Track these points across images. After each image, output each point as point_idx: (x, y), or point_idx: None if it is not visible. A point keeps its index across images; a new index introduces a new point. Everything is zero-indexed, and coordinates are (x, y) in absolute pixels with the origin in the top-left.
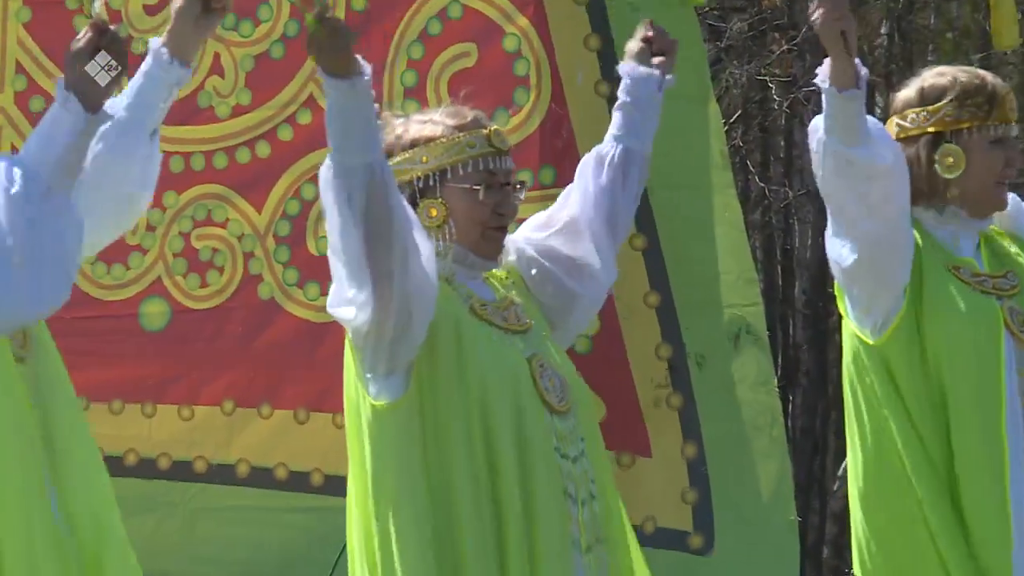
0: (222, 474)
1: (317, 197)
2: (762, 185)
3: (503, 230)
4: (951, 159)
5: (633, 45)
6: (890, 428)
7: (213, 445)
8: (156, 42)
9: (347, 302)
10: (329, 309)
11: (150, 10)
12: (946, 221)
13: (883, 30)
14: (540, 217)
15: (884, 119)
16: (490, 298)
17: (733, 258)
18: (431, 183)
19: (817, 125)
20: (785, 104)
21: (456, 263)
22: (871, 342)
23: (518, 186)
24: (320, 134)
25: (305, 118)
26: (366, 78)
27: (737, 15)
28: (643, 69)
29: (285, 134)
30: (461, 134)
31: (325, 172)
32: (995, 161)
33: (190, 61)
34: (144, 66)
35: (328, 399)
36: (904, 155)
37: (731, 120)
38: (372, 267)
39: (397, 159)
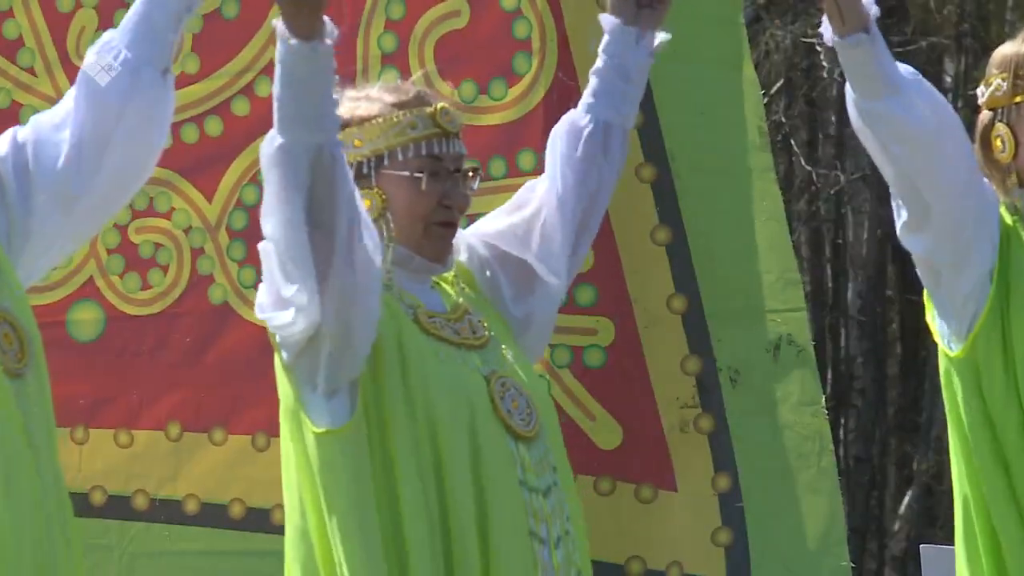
0: (167, 511)
1: None
2: (809, 168)
3: (451, 226)
4: (999, 141)
5: None
6: (975, 463)
7: (156, 477)
8: None
9: (283, 303)
10: (259, 313)
11: None
12: None
13: None
14: (497, 210)
15: (955, 88)
16: (439, 308)
17: (773, 255)
18: (365, 170)
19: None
20: (836, 72)
21: (396, 265)
22: (954, 353)
23: (470, 174)
24: None
25: (264, 88)
26: (328, 43)
27: None
28: (630, 28)
29: (240, 108)
30: (400, 112)
31: (267, 146)
32: None
33: None
34: None
35: None
36: (955, 117)
37: (772, 91)
38: (316, 262)
39: None
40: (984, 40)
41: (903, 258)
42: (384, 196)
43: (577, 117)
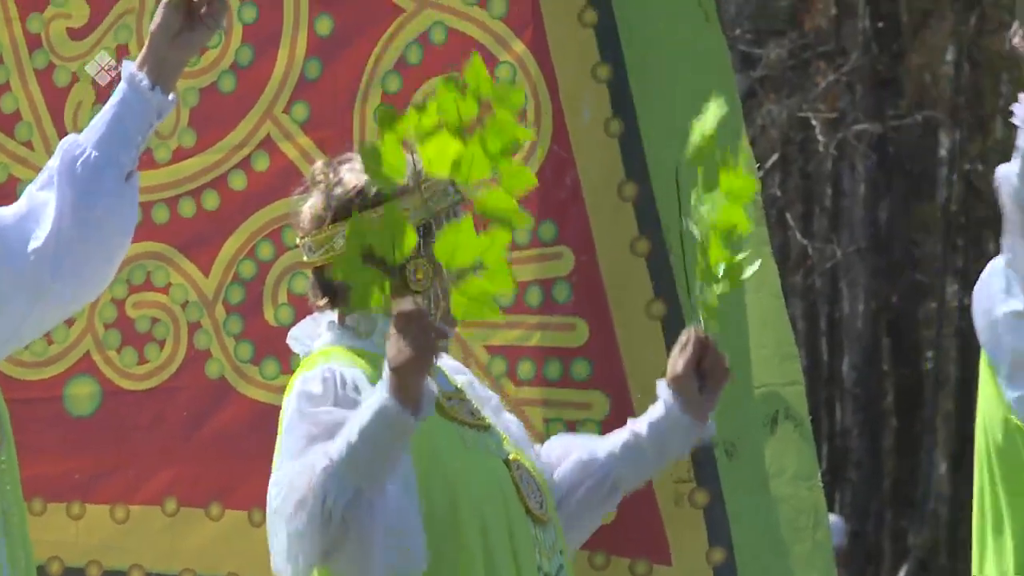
0: None
1: (276, 257)
2: (804, 242)
3: None
4: None
5: (677, 363)
6: None
7: (152, 552)
8: (130, 66)
9: None
10: None
11: (75, 34)
12: None
13: (949, 56)
14: None
15: (950, 161)
16: (447, 387)
17: (769, 329)
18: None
19: (1009, 173)
20: (832, 146)
21: None
22: None
23: None
24: (278, 183)
25: (261, 163)
26: (418, 420)
27: (774, 40)
28: (686, 416)
29: (237, 182)
30: (433, 180)
31: (319, 471)
32: None
33: (172, 87)
34: (116, 95)
35: None
36: None
37: (767, 164)
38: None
39: (367, 215)
40: (979, 114)
41: (898, 331)
42: (433, 264)
43: (598, 455)
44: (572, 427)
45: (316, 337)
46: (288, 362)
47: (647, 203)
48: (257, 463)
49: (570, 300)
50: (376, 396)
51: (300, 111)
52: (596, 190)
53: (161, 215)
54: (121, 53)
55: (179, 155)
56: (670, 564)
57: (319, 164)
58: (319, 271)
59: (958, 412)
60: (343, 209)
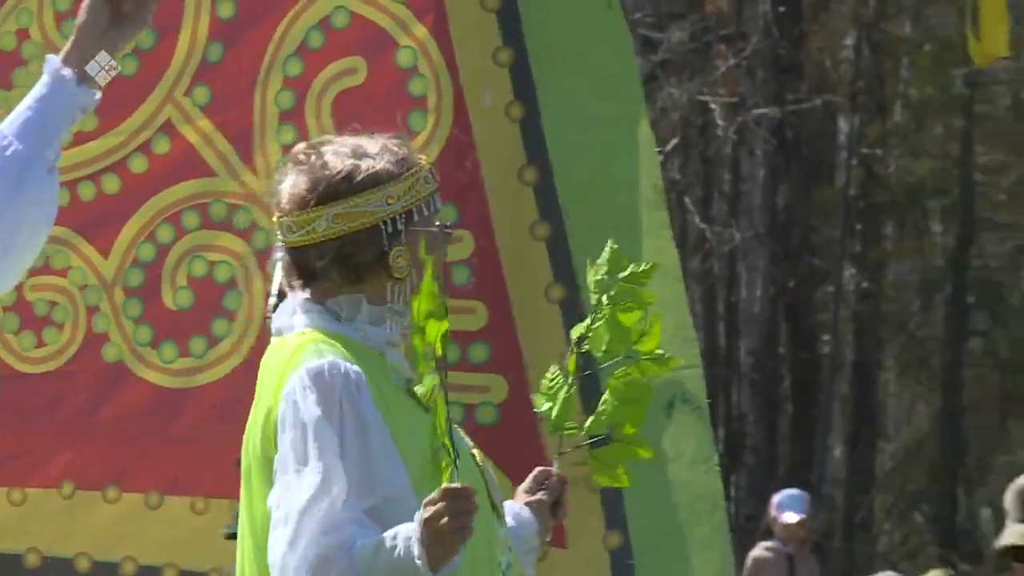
0: (58, 569)
1: (175, 240)
2: (703, 226)
3: None
4: None
5: (545, 507)
6: None
7: (48, 535)
8: (55, 61)
9: None
10: None
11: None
12: None
13: (849, 41)
14: None
15: (849, 146)
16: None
17: (668, 312)
18: (400, 226)
19: None
20: (731, 130)
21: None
22: None
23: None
24: (179, 166)
25: (162, 146)
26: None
27: (675, 23)
28: (532, 540)
29: (137, 165)
30: (416, 168)
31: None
32: None
33: (96, 83)
34: (40, 90)
35: (186, 481)
36: None
37: (667, 148)
38: None
39: (352, 202)
40: (878, 98)
41: (795, 316)
42: (411, 253)
43: None
44: (471, 410)
45: (292, 313)
46: (187, 345)
47: (547, 187)
48: (154, 447)
49: (469, 283)
50: (405, 538)
51: (201, 94)
52: (496, 174)
53: (61, 198)
54: (21, 37)
55: (80, 138)
56: (565, 547)
57: (301, 145)
58: (296, 251)
59: (854, 396)
60: (329, 193)
